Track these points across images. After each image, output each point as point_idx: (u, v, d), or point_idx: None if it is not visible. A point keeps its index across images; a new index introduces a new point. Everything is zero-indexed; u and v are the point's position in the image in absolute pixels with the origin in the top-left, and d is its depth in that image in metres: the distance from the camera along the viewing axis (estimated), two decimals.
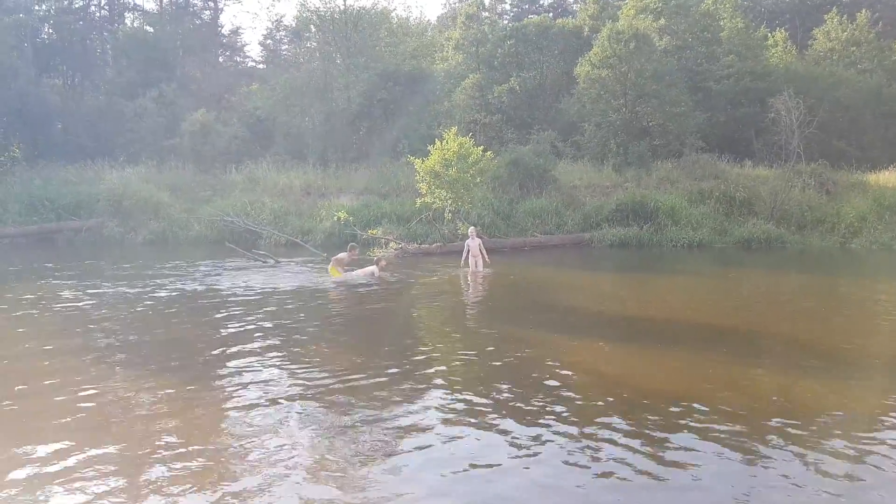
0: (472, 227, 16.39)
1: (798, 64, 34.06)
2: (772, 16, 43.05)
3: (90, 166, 30.04)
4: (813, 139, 28.75)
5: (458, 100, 34.88)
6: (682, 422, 5.58)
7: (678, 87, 30.05)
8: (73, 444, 5.11)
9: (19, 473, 4.61)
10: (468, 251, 15.52)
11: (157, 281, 14.05)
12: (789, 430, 5.40)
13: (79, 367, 7.32)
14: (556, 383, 6.68)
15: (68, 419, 5.68)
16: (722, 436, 5.26)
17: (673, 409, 5.93)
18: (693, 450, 5.01)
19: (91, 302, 11.54)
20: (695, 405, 5.96)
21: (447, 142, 21.19)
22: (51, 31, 40.99)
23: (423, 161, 21.32)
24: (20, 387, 6.62)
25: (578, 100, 30.83)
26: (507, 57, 36.04)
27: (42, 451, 5.00)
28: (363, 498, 4.29)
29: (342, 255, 14.37)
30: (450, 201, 21.44)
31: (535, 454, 4.97)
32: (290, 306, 11.23)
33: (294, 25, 38.56)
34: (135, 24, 42.93)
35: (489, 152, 22.63)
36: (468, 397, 6.26)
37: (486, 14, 37.74)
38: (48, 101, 35.18)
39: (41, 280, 14.41)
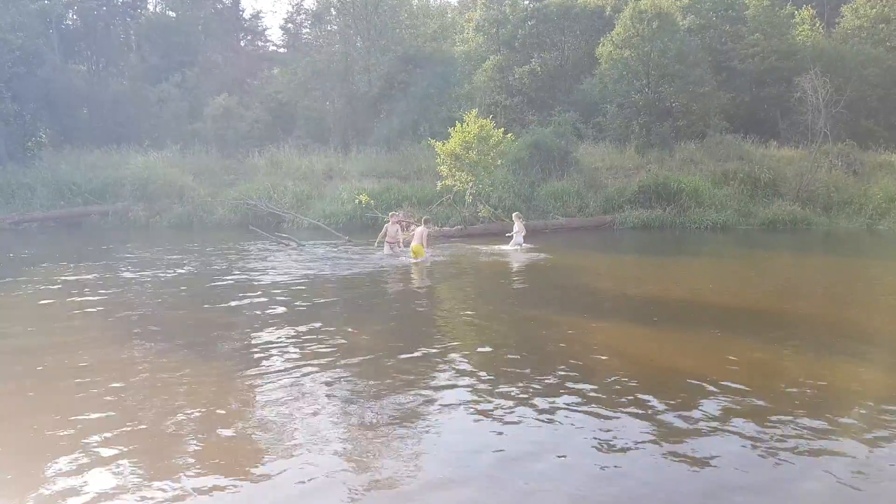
0: (517, 213, 17.59)
1: (825, 42, 33.28)
2: None
3: (115, 151, 30.46)
4: (840, 119, 28.21)
5: (479, 82, 34.69)
6: (704, 404, 5.60)
7: (702, 66, 29.60)
8: (103, 422, 5.27)
9: (53, 449, 4.79)
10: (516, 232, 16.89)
11: (183, 264, 14.30)
12: (812, 412, 5.39)
13: (109, 347, 7.52)
14: (577, 365, 6.73)
15: (97, 398, 5.84)
16: (743, 418, 5.27)
17: (694, 390, 5.96)
18: (714, 432, 5.03)
19: (118, 284, 11.80)
20: (717, 387, 5.97)
21: (468, 124, 21.17)
22: (75, 17, 41.34)
23: (444, 144, 21.33)
24: (55, 366, 6.82)
25: (600, 80, 30.51)
26: (528, 38, 35.66)
27: (73, 428, 5.17)
28: (386, 478, 4.40)
29: (419, 230, 15.00)
30: (470, 184, 21.45)
31: (556, 435, 5.03)
32: (312, 288, 11.38)
33: (315, 9, 38.54)
34: (157, 10, 43.17)
35: (510, 134, 22.57)
36: (489, 379, 6.32)
37: None
38: (74, 87, 35.61)
39: (69, 263, 14.72)
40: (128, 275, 12.77)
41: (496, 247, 16.98)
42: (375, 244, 15.52)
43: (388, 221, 15.67)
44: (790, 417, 5.27)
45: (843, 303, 10.58)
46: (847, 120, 28.93)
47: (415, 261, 14.37)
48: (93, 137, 33.02)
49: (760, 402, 5.58)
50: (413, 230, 15.84)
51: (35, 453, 4.72)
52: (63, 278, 12.34)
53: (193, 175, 27.54)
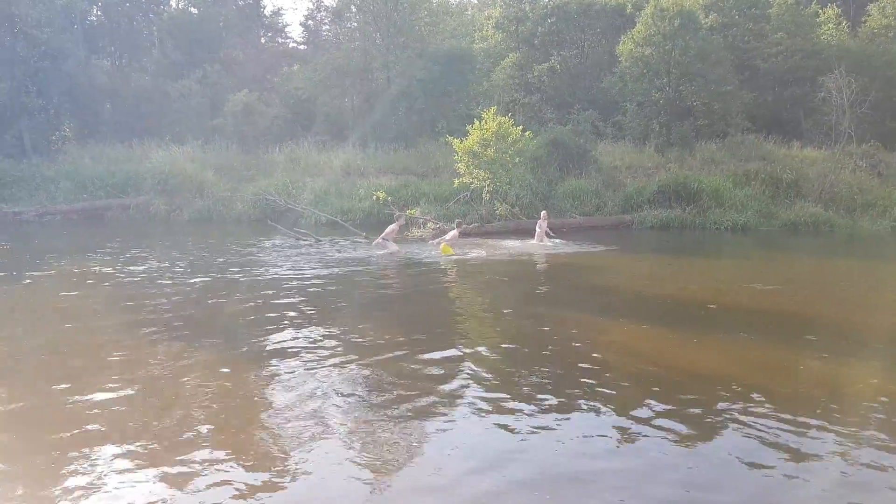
0: (544, 212, 18.47)
1: (851, 41, 32.77)
2: None
3: (137, 145, 30.80)
4: (865, 119, 27.81)
5: (498, 79, 34.58)
6: (720, 405, 5.55)
7: (724, 65, 29.27)
8: (119, 414, 5.35)
9: (72, 440, 4.86)
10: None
11: (200, 258, 14.43)
12: (829, 415, 5.34)
13: (128, 340, 7.60)
14: (593, 364, 6.69)
15: (114, 389, 5.92)
16: (759, 420, 5.22)
17: (710, 391, 5.90)
18: (730, 433, 5.00)
19: (139, 278, 11.92)
20: (734, 389, 5.92)
21: (486, 122, 21.12)
22: (99, 12, 41.81)
23: (462, 141, 21.30)
24: (73, 360, 6.92)
25: (620, 79, 30.28)
26: (548, 35, 35.51)
27: (93, 421, 5.24)
28: (396, 476, 4.41)
29: (453, 233, 15.99)
30: (488, 182, 21.40)
31: (570, 432, 5.02)
32: (329, 284, 11.43)
33: (335, 6, 38.65)
34: (180, 6, 43.52)
35: (528, 132, 22.48)
36: (503, 377, 6.32)
37: None
38: (97, 82, 36.04)
39: (91, 256, 14.91)
40: (145, 268, 12.90)
41: (521, 242, 17.52)
42: (379, 243, 15.53)
43: (396, 222, 16.01)
44: (807, 420, 5.20)
45: (865, 306, 10.42)
46: (872, 120, 28.49)
47: (445, 257, 14.99)
48: (115, 132, 33.42)
49: (776, 404, 5.51)
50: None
51: (51, 445, 4.78)
52: (83, 271, 12.51)
53: (214, 170, 27.75)
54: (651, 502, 4.05)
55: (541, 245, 17.09)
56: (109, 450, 4.65)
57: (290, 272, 12.45)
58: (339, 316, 8.94)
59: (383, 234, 15.51)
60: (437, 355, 6.92)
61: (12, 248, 16.83)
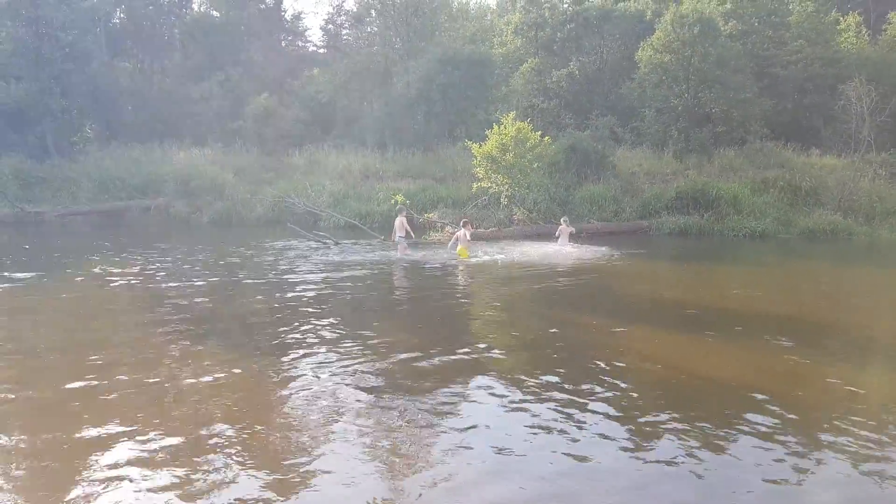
0: (565, 218, 18.33)
1: (871, 49, 32.55)
2: None
3: (158, 147, 31.20)
4: (885, 128, 27.59)
5: (517, 84, 34.71)
6: (736, 411, 5.58)
7: (743, 72, 29.18)
8: (140, 415, 5.46)
9: (94, 438, 5.01)
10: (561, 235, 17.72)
11: (220, 260, 14.62)
12: (848, 423, 5.36)
13: (141, 341, 7.73)
14: (610, 369, 6.73)
15: (137, 391, 6.04)
16: (777, 427, 5.26)
17: (726, 398, 5.94)
18: (747, 440, 5.04)
19: (159, 278, 12.12)
20: (750, 395, 5.96)
21: (505, 126, 21.23)
22: (122, 16, 42.47)
23: (481, 146, 21.42)
24: (94, 360, 7.08)
25: (639, 85, 30.26)
26: (567, 41, 35.58)
27: (112, 420, 5.37)
28: (409, 480, 4.51)
29: (461, 232, 15.72)
30: (506, 186, 21.50)
31: (584, 440, 5.07)
32: (344, 286, 11.55)
33: (355, 10, 39.00)
34: (202, 9, 44.05)
35: (547, 137, 22.57)
36: (519, 381, 6.36)
37: None
38: (119, 84, 36.63)
39: (114, 256, 15.15)
40: (169, 267, 13.10)
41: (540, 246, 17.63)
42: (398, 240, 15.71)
43: (400, 216, 15.89)
44: (825, 428, 5.25)
45: (881, 314, 10.39)
46: (892, 129, 28.25)
47: (463, 260, 15.07)
48: (137, 134, 33.92)
49: (794, 411, 5.56)
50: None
51: (68, 442, 4.92)
52: (101, 272, 12.73)
53: (234, 172, 28.07)
54: None
55: (561, 249, 17.15)
56: (122, 448, 4.77)
57: (307, 274, 12.60)
58: (354, 318, 9.03)
59: (399, 235, 15.60)
60: (451, 359, 6.98)
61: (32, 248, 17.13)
